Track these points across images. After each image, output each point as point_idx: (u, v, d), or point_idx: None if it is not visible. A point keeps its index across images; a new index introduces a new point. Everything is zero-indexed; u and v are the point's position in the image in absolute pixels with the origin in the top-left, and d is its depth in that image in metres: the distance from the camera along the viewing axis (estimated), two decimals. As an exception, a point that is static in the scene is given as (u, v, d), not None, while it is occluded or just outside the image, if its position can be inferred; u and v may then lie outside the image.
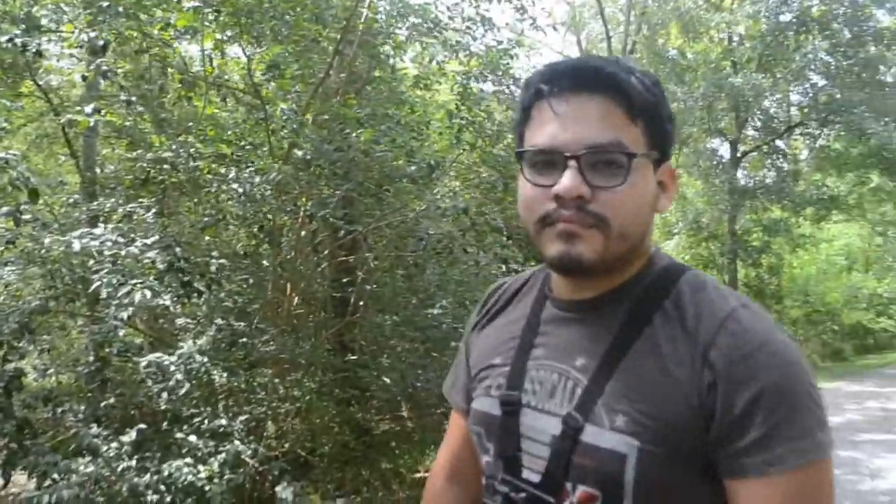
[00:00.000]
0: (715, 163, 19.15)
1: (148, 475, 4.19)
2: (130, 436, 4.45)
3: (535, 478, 1.03)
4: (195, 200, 6.31)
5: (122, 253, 4.90)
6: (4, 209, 4.64)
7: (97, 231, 4.98)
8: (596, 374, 1.00)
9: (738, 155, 19.23)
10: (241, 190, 5.69)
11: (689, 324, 0.97)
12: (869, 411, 11.04)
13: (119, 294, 4.69)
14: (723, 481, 0.94)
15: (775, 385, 0.90)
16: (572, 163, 0.96)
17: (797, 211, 19.22)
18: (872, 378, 16.50)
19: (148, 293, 4.65)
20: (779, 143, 20.04)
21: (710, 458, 0.93)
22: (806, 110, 19.05)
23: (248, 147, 6.33)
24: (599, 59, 1.04)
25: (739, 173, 19.55)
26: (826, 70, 18.19)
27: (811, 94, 18.86)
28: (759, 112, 18.48)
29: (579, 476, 0.98)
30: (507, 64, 8.07)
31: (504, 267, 7.37)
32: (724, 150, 19.74)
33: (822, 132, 19.37)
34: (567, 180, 0.96)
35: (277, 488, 4.61)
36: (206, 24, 6.03)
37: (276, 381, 5.50)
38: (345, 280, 6.70)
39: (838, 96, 17.54)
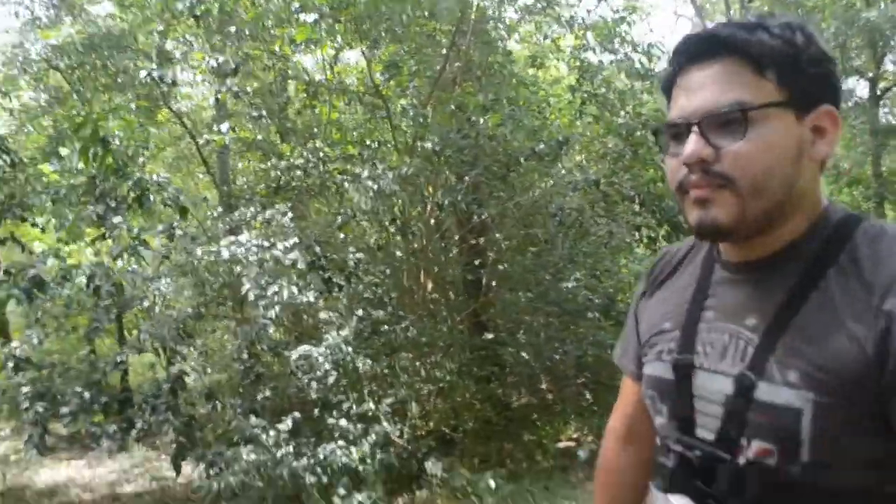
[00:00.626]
0: (853, 103, 17.91)
1: (305, 459, 4.48)
2: (287, 424, 4.76)
3: (710, 436, 1.04)
4: (325, 202, 6.62)
5: (266, 256, 5.24)
6: (160, 227, 5.11)
7: (242, 238, 5.34)
8: (767, 331, 1.00)
9: (878, 93, 17.96)
10: (375, 187, 5.93)
11: (866, 274, 0.94)
12: None
13: (268, 294, 5.03)
14: None
15: None
16: (694, 129, 0.99)
17: (952, 149, 17.76)
18: None
19: (294, 290, 4.97)
20: (924, 77, 18.55)
21: (885, 408, 0.91)
22: (954, 37, 17.53)
23: (373, 146, 6.59)
24: (725, 23, 1.04)
25: (881, 112, 18.24)
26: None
27: (959, 19, 17.31)
28: (899, 46, 17.14)
29: (755, 432, 0.99)
30: (625, 31, 7.92)
31: (637, 234, 7.33)
32: (862, 90, 18.46)
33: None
34: (688, 146, 0.99)
35: (427, 464, 4.82)
36: (324, 33, 6.31)
37: (417, 363, 5.74)
38: (476, 262, 6.86)
39: None
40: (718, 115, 0.98)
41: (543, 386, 6.82)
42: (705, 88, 1.00)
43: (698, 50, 1.02)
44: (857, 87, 18.71)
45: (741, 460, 0.99)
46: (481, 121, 6.21)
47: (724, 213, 0.98)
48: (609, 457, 1.43)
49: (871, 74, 17.67)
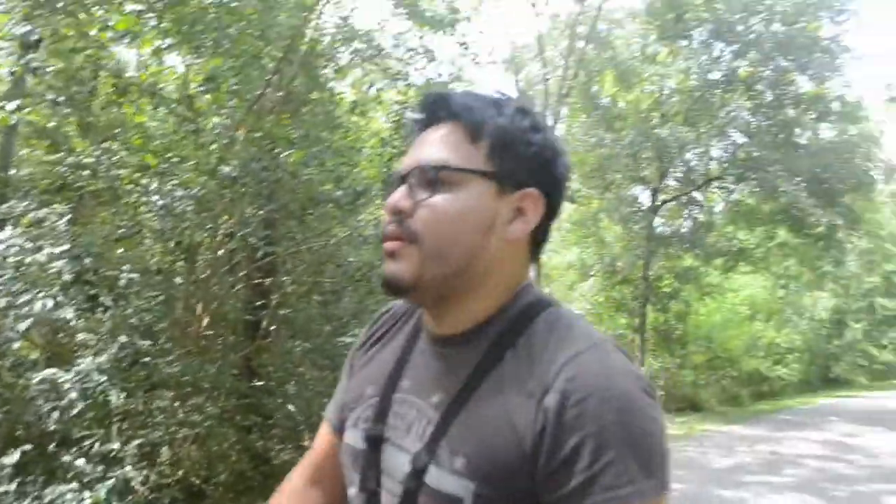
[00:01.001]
0: (635, 209, 19.66)
1: (28, 500, 4.02)
2: (13, 457, 4.27)
3: None
4: (113, 211, 6.13)
5: (27, 260, 4.73)
6: None
7: (3, 235, 4.80)
8: (445, 413, 1.00)
9: (658, 203, 19.81)
10: (161, 202, 5.57)
11: (535, 364, 0.96)
12: (759, 454, 11.47)
13: (18, 302, 4.53)
14: None
15: (600, 433, 0.88)
16: (404, 181, 1.03)
17: (707, 260, 19.91)
18: (765, 423, 17.13)
19: (50, 303, 4.50)
20: (696, 194, 20.71)
21: (541, 502, 0.92)
22: (725, 165, 19.76)
23: (174, 160, 6.19)
24: (462, 92, 1.09)
25: (657, 221, 20.12)
26: (747, 128, 18.98)
27: (731, 150, 19.60)
28: (681, 163, 19.09)
29: None
30: (447, 97, 8.11)
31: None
32: (645, 198, 20.29)
33: (738, 187, 20.12)
34: (392, 195, 1.03)
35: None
36: (146, 29, 5.90)
37: (176, 404, 5.39)
38: (259, 303, 6.62)
39: (756, 154, 18.27)
40: (423, 171, 1.01)
41: (306, 443, 6.64)
42: (424, 146, 1.05)
43: (430, 110, 1.07)
44: (642, 196, 20.56)
45: None
46: (283, 154, 6.04)
47: (405, 269, 0.99)
48: (293, 492, 1.32)
49: (653, 186, 19.47)
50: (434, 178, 1.00)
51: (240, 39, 6.19)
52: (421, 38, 8.40)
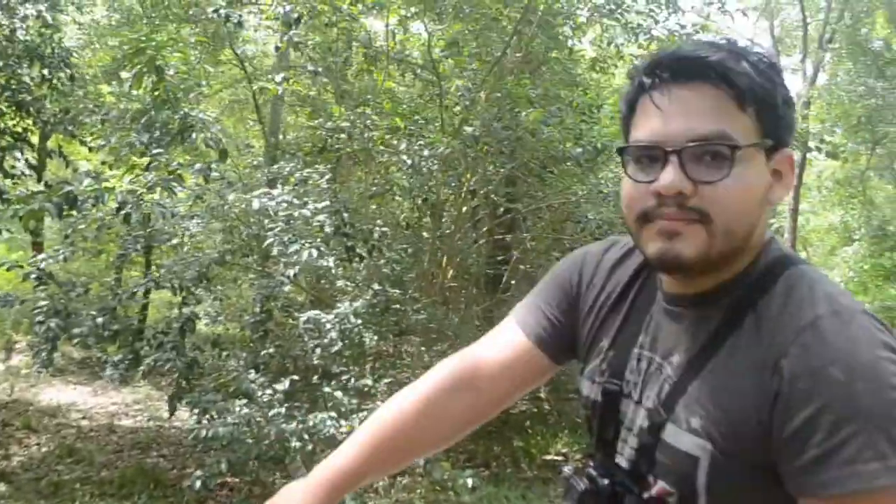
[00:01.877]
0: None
1: (294, 423, 4.52)
2: (284, 385, 4.82)
3: (626, 465, 1.05)
4: (367, 171, 6.62)
5: (295, 214, 5.25)
6: (198, 166, 5.11)
7: (275, 192, 5.35)
8: (684, 372, 0.99)
9: (939, 159, 17.58)
10: (409, 162, 5.91)
11: (772, 327, 0.92)
12: None
13: (288, 251, 5.05)
14: None
15: (841, 403, 0.83)
16: (673, 157, 0.93)
17: None
18: None
19: (315, 253, 4.96)
20: None
21: (775, 466, 0.89)
22: None
23: (420, 122, 6.56)
24: (707, 44, 0.98)
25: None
26: None
27: None
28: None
29: (660, 471, 0.99)
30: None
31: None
32: (922, 154, 18.07)
33: None
34: (667, 175, 0.93)
35: (412, 450, 4.82)
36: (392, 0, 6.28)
37: (423, 349, 5.74)
38: (500, 258, 6.82)
39: None
40: (702, 147, 0.93)
41: (542, 395, 6.80)
42: (687, 115, 0.94)
43: (682, 69, 0.95)
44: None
45: (646, 496, 0.99)
46: (524, 114, 6.12)
47: (692, 248, 0.94)
48: (440, 383, 1.27)
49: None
50: (721, 154, 0.92)
51: (479, 3, 6.38)
52: (664, -13, 8.06)
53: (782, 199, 1.04)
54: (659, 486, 0.99)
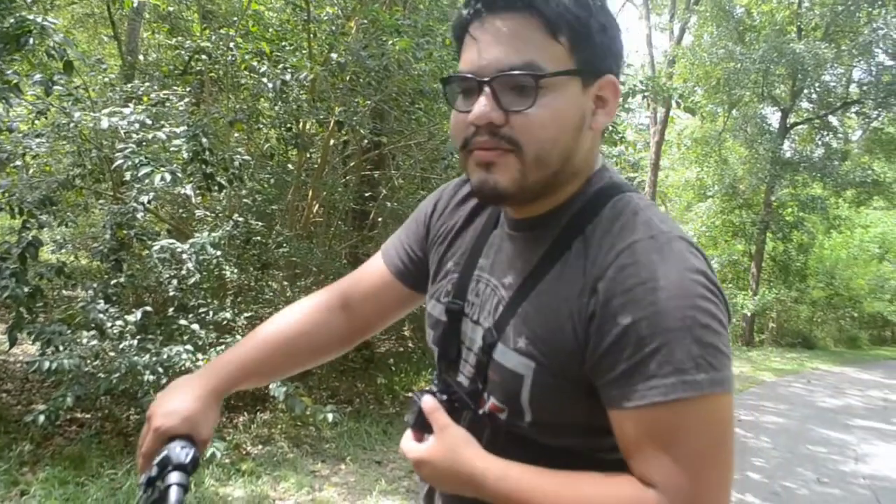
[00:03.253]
0: (762, 130, 18.64)
1: (147, 356, 4.28)
2: (135, 316, 4.55)
3: (465, 382, 1.09)
4: (226, 95, 6.28)
5: (149, 136, 4.91)
6: (37, 76, 4.63)
7: (126, 111, 4.97)
8: (515, 294, 1.03)
9: (788, 125, 18.73)
10: (270, 85, 5.63)
11: (595, 253, 0.95)
12: (870, 399, 11.01)
13: (139, 175, 4.71)
14: None
15: (648, 320, 0.86)
16: (486, 88, 0.94)
17: (838, 191, 18.81)
18: (881, 368, 16.40)
19: (168, 177, 4.65)
20: (832, 118, 19.47)
21: (592, 384, 0.93)
22: (865, 88, 18.43)
23: (287, 47, 6.25)
24: None
25: (786, 144, 19.06)
26: (894, 49, 17.51)
27: (874, 73, 18.20)
28: (816, 84, 17.88)
29: (492, 389, 1.04)
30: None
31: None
32: (774, 119, 19.24)
33: (879, 114, 18.79)
34: (477, 106, 0.94)
35: (271, 385, 4.70)
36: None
37: (286, 283, 5.57)
38: (368, 194, 6.69)
39: (903, 78, 16.97)
40: (510, 77, 0.93)
41: (407, 334, 6.80)
42: (499, 44, 0.94)
43: (494, 1, 0.95)
44: (771, 116, 19.45)
45: (481, 412, 1.05)
46: (390, 42, 5.94)
47: (506, 179, 0.96)
48: (316, 304, 1.35)
49: (784, 106, 18.36)
50: (528, 84, 0.93)
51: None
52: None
53: (606, 124, 1.03)
54: (491, 402, 1.04)
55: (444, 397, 1.06)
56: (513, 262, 1.06)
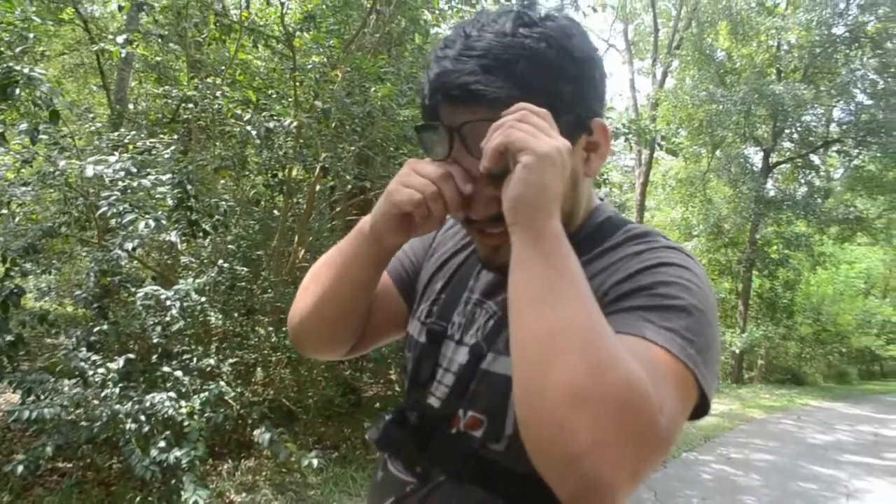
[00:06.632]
0: (745, 170, 18.88)
1: (129, 403, 4.25)
2: (118, 364, 4.53)
3: (436, 404, 1.08)
4: (213, 143, 6.34)
5: (134, 184, 4.93)
6: (23, 125, 4.68)
7: (111, 159, 5.00)
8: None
9: (770, 164, 18.97)
10: (254, 133, 5.68)
11: (597, 269, 0.99)
12: (860, 434, 10.99)
13: (124, 222, 4.72)
14: None
15: (624, 278, 0.93)
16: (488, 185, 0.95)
17: (822, 228, 18.99)
18: (871, 403, 16.38)
19: (152, 223, 4.66)
20: (813, 157, 19.73)
21: None
22: (845, 128, 18.73)
23: (273, 95, 6.33)
24: (479, 56, 0.92)
25: (769, 183, 19.28)
26: (872, 89, 17.86)
27: (853, 112, 18.53)
28: (797, 124, 18.17)
29: (471, 402, 1.03)
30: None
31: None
32: (757, 159, 19.48)
33: (859, 152, 19.05)
34: (478, 202, 0.97)
35: (256, 431, 4.68)
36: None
37: (271, 329, 5.56)
38: (353, 239, 6.70)
39: (880, 117, 17.22)
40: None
41: (394, 378, 6.77)
42: (476, 140, 0.93)
43: (458, 97, 0.93)
44: (754, 156, 19.69)
45: (453, 430, 1.04)
46: (373, 89, 6.02)
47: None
48: None
49: (766, 146, 18.61)
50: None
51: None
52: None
53: (600, 168, 1.04)
54: (469, 417, 1.03)
55: (414, 414, 1.08)
56: (506, 283, 1.03)
